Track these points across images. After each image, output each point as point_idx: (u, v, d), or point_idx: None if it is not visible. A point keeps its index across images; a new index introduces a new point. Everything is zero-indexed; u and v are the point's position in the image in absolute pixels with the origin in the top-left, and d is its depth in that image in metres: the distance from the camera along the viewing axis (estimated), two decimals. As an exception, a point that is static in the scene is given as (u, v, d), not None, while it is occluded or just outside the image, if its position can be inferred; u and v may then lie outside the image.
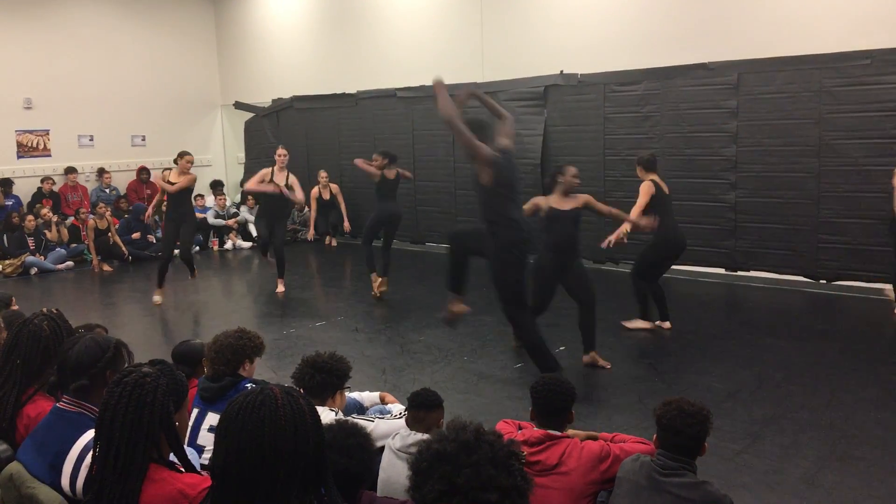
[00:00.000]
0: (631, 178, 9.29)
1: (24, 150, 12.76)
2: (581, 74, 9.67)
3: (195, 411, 3.43)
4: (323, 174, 12.47)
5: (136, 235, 11.85)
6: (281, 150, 9.01)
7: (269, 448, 1.76)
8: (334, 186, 12.53)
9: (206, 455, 3.26)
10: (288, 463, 1.77)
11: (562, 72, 9.81)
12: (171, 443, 2.19)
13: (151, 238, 12.13)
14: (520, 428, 3.23)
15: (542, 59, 10.03)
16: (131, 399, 2.11)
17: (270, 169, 8.93)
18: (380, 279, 8.65)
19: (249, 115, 14.30)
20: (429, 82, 10.97)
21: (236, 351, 3.47)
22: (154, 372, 2.19)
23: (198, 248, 12.38)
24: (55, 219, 11.62)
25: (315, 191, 12.42)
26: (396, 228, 8.99)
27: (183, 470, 2.18)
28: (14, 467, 2.47)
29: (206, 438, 3.33)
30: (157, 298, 8.73)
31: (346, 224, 12.01)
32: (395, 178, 8.75)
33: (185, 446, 2.28)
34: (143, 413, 2.11)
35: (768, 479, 4.14)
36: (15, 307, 4.96)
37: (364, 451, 2.54)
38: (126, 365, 2.70)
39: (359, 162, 8.90)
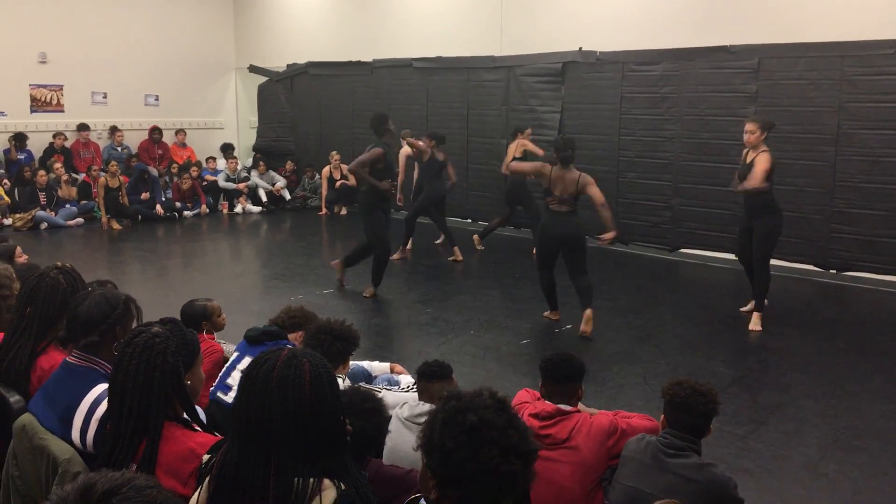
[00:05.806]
0: (646, 158, 9.28)
1: (37, 105, 12.74)
2: (600, 52, 9.57)
3: (235, 354, 3.46)
4: (335, 156, 12.49)
5: (145, 196, 11.82)
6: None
7: (293, 408, 1.77)
8: (346, 168, 12.51)
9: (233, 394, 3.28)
10: (309, 425, 1.78)
11: (580, 49, 9.71)
12: (182, 403, 2.20)
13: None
14: (538, 399, 3.25)
15: (561, 34, 9.92)
16: (141, 360, 2.13)
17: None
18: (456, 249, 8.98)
19: (263, 78, 14.23)
20: (446, 53, 11.04)
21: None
22: (164, 332, 2.19)
23: (208, 210, 12.40)
24: (65, 177, 11.62)
25: (326, 170, 12.58)
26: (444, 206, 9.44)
27: (198, 428, 2.20)
28: (27, 418, 2.49)
29: (237, 379, 3.35)
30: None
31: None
32: (444, 160, 9.10)
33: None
34: (153, 375, 2.13)
35: (770, 464, 4.16)
36: (22, 258, 4.83)
37: (379, 414, 2.55)
38: (135, 321, 2.71)
39: (410, 140, 9.08)
